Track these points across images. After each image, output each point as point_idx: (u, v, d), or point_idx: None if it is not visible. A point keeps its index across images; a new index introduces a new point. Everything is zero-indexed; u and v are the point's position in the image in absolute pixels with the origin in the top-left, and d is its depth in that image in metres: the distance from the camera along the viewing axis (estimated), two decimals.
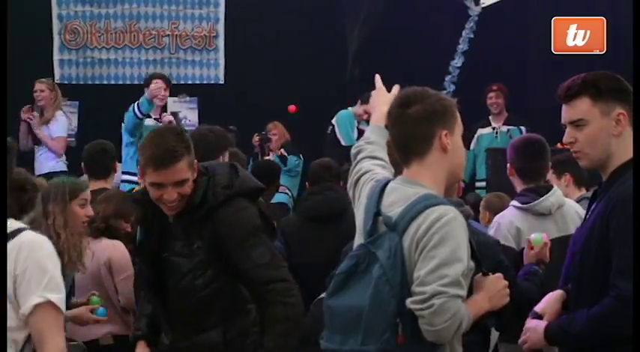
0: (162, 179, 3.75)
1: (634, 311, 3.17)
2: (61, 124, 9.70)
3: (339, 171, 6.33)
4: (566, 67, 8.83)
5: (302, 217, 6.40)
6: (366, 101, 7.91)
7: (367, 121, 7.99)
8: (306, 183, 6.67)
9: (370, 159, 3.54)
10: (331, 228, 5.82)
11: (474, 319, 3.14)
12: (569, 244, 3.54)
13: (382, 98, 3.64)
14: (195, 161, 3.88)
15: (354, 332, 3.11)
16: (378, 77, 3.79)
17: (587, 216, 3.46)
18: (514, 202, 5.02)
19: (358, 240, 3.31)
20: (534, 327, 3.47)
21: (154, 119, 9.10)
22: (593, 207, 3.43)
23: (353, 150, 3.64)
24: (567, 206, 5.03)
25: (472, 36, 11.22)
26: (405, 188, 3.25)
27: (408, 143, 3.28)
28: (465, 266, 3.09)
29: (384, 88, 3.72)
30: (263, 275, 3.79)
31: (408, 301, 3.05)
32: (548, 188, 5.00)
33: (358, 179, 3.49)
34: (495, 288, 3.24)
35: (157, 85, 8.92)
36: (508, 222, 4.91)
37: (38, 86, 9.69)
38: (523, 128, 10.09)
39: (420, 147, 3.26)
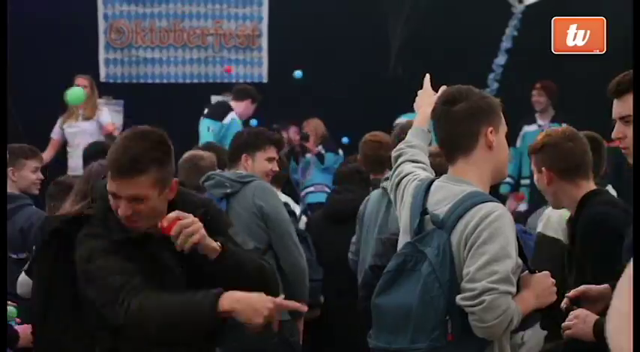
0: (117, 190, 3.17)
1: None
2: (107, 114, 9.83)
3: (367, 176, 6.33)
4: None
5: (322, 216, 6.61)
6: None
7: None
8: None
9: (411, 163, 3.54)
10: (345, 227, 5.90)
11: (523, 316, 3.14)
12: None
13: (427, 100, 3.63)
14: (175, 180, 3.29)
15: (402, 330, 3.12)
16: (427, 77, 3.78)
17: None
18: None
19: (403, 238, 3.31)
20: (584, 317, 3.43)
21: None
22: None
23: (394, 153, 3.64)
24: None
25: (516, 34, 11.16)
26: (451, 186, 3.25)
27: (453, 140, 3.29)
28: (514, 263, 3.09)
29: (430, 90, 3.71)
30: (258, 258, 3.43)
31: (458, 298, 3.05)
32: (602, 184, 4.95)
33: (399, 181, 3.49)
34: (543, 286, 3.23)
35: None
36: (559, 216, 4.89)
37: (81, 82, 9.73)
38: (565, 126, 10.01)
39: (465, 144, 3.26)
